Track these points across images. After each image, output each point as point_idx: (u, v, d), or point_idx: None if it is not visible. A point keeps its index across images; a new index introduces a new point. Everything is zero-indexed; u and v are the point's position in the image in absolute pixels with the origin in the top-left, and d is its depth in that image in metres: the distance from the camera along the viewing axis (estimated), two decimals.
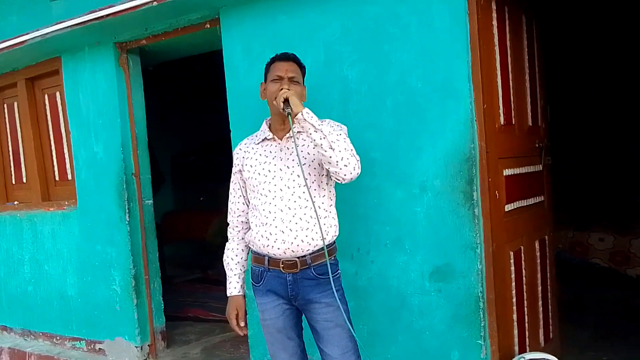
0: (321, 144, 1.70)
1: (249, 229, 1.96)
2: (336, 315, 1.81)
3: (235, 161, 1.98)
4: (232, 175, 2.01)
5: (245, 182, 1.94)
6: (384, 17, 2.20)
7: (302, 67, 1.91)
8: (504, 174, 2.25)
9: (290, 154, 1.85)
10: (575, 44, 4.54)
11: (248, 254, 2.01)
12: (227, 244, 2.03)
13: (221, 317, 2.89)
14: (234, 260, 1.99)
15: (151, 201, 3.26)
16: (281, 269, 1.83)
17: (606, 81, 4.53)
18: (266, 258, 1.86)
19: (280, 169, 1.85)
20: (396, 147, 2.21)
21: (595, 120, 4.55)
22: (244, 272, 2.01)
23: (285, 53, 1.90)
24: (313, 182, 1.84)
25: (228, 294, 1.98)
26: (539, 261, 2.55)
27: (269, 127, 1.91)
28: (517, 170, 2.36)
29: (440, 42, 2.08)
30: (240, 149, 1.99)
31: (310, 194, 1.75)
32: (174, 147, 5.64)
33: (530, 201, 2.49)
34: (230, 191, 2.03)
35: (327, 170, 1.81)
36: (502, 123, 2.26)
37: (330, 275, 1.77)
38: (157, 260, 3.29)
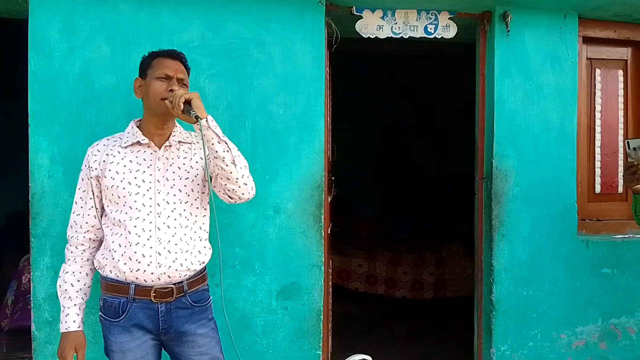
0: (223, 157, 1.59)
1: (97, 248, 1.65)
2: (211, 346, 1.69)
3: (90, 164, 1.63)
4: (81, 181, 1.64)
5: (101, 192, 1.61)
6: (248, 39, 2.23)
7: (188, 70, 1.76)
8: (328, 201, 2.58)
9: (170, 165, 1.66)
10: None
11: (92, 279, 1.66)
12: (64, 265, 1.63)
13: None
14: (74, 287, 1.61)
15: None
16: (152, 298, 1.59)
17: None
18: (132, 286, 1.57)
19: (158, 181, 1.62)
20: (252, 169, 2.20)
21: None
22: (85, 301, 1.64)
23: (173, 50, 1.73)
24: (195, 200, 1.70)
25: (63, 330, 1.59)
26: (330, 277, 2.96)
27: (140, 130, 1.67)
28: (329, 199, 2.73)
29: (302, 77, 2.27)
30: (98, 150, 1.65)
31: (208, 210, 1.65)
32: None
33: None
34: (75, 200, 1.64)
35: (207, 188, 1.68)
36: (329, 156, 2.60)
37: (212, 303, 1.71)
38: None
